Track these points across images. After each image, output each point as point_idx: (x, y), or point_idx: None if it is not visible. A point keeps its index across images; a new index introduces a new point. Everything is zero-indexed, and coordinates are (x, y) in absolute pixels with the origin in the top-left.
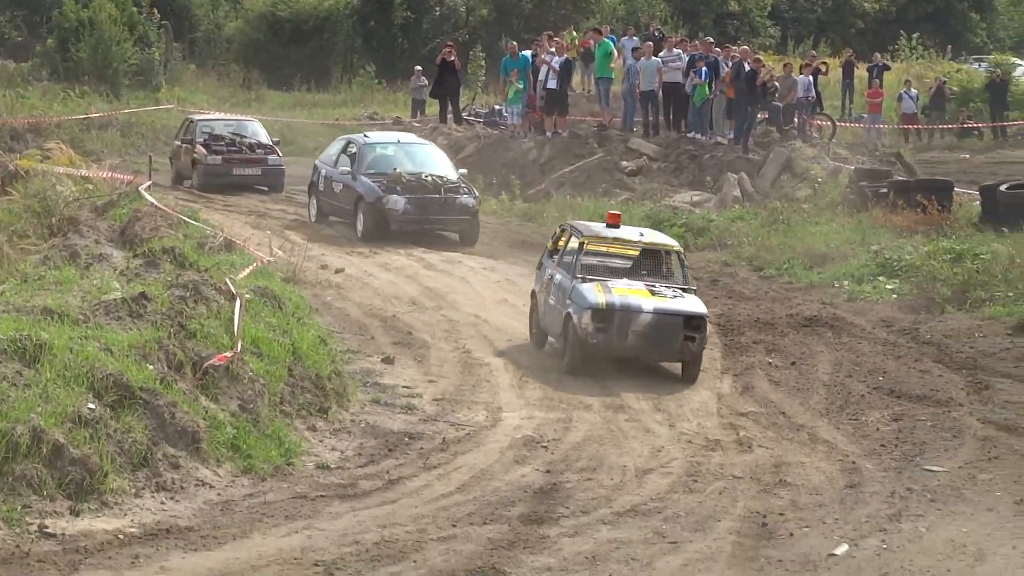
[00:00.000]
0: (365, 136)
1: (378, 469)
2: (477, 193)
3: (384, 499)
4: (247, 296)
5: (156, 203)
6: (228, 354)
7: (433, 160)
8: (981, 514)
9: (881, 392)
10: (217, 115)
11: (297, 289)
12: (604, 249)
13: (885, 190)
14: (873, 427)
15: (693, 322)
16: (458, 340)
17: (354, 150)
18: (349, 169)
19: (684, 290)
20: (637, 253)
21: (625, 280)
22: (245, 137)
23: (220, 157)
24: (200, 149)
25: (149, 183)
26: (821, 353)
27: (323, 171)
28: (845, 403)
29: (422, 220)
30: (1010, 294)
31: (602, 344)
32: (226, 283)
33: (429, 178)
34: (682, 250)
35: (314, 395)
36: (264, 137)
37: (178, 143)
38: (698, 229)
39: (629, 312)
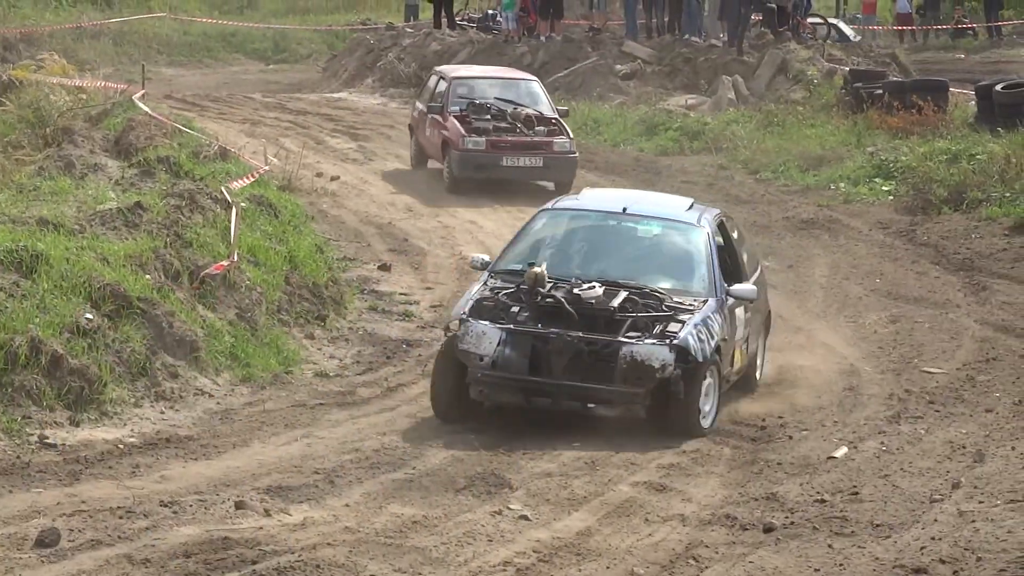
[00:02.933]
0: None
1: (376, 376)
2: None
3: (383, 406)
4: (243, 205)
5: (150, 112)
6: (225, 263)
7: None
8: (980, 415)
9: (878, 294)
10: (477, 70)
11: (293, 197)
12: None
13: (880, 91)
14: (871, 329)
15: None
16: (454, 246)
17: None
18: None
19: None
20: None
21: None
22: (519, 106)
23: (484, 139)
24: (454, 124)
25: (143, 92)
26: (818, 256)
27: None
28: (843, 305)
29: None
30: (1007, 194)
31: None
32: (222, 192)
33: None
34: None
35: (311, 303)
36: (547, 106)
37: (421, 108)
38: (693, 132)
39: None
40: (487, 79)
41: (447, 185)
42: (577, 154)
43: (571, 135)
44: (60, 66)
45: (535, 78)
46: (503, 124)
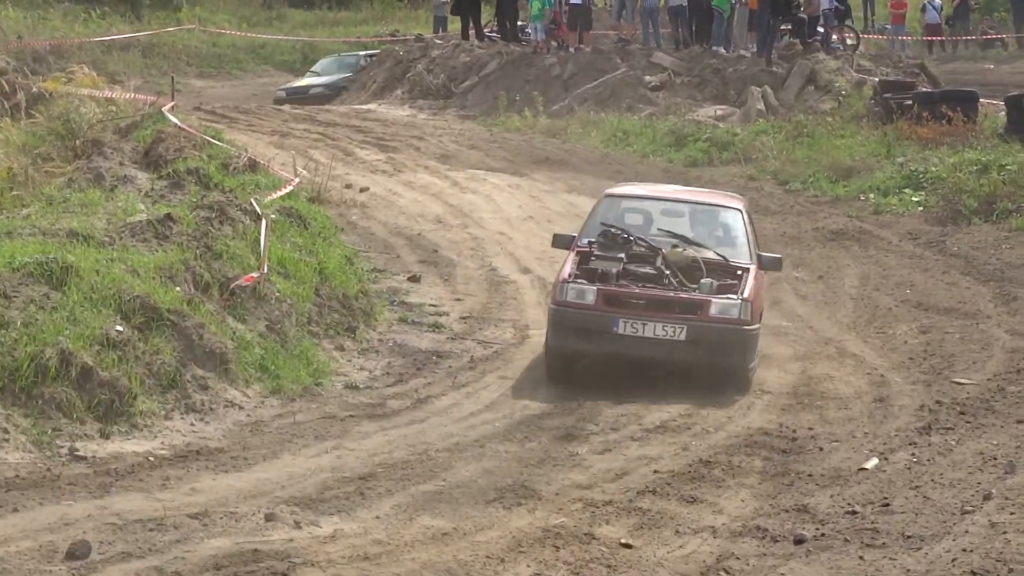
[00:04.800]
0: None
1: (407, 388)
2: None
3: (413, 418)
4: (272, 216)
5: (180, 124)
6: (255, 275)
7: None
8: (1011, 426)
9: (909, 305)
10: (652, 189)
11: (322, 209)
12: None
13: (910, 102)
14: (901, 340)
15: None
16: (484, 258)
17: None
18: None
19: None
20: None
21: None
22: (690, 244)
23: (595, 289)
24: (568, 263)
25: (172, 103)
26: (848, 267)
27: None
28: (873, 316)
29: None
30: None
31: None
32: (251, 203)
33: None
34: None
35: (341, 315)
36: (744, 249)
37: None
38: (722, 143)
39: None
40: (661, 201)
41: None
42: (754, 326)
43: (749, 296)
44: (90, 78)
45: (741, 205)
46: (645, 270)
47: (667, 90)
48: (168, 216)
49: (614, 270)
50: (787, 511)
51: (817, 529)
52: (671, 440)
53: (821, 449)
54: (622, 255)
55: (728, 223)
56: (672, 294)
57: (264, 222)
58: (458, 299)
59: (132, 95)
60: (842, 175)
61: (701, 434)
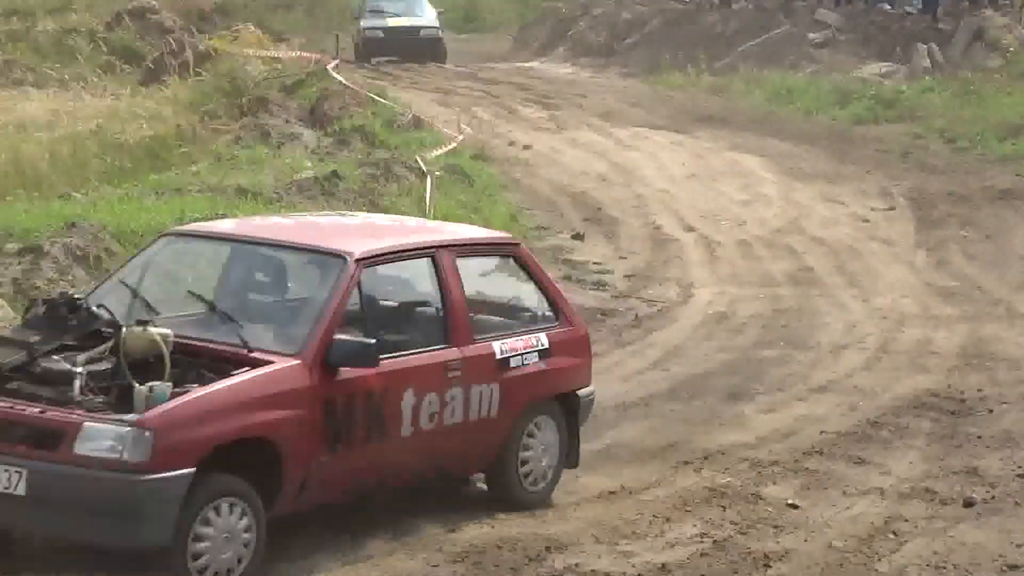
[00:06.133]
0: None
1: None
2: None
3: None
4: (437, 173)
5: (344, 81)
6: None
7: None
8: None
9: None
10: (251, 226)
11: (486, 166)
12: None
13: None
14: None
15: None
16: (647, 216)
17: None
18: None
19: None
20: None
21: None
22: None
23: None
24: None
25: (337, 61)
26: (1017, 226)
27: None
28: None
29: None
30: None
31: None
32: (417, 160)
33: None
34: None
35: None
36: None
37: None
38: (888, 101)
39: None
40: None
41: None
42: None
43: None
44: (255, 36)
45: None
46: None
47: (831, 47)
48: (335, 173)
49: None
50: (956, 473)
51: (987, 492)
52: (837, 400)
53: (991, 411)
54: (60, 333)
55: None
56: (21, 410)
57: (429, 179)
58: (622, 257)
59: (297, 53)
60: (1011, 133)
61: (868, 394)
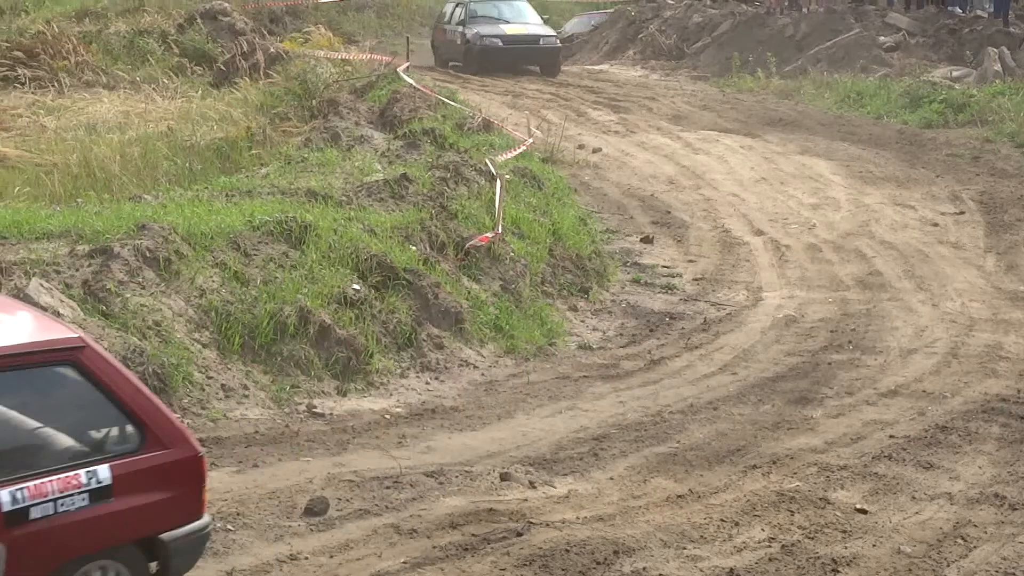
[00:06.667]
0: None
1: (639, 349)
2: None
3: (646, 379)
4: (507, 177)
5: (415, 84)
6: (489, 235)
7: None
8: None
9: None
10: None
11: (555, 169)
12: None
13: None
14: None
15: None
16: (717, 219)
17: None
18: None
19: None
20: None
21: None
22: None
23: None
24: None
25: (407, 64)
26: None
27: None
28: None
29: None
30: None
31: None
32: (486, 164)
33: None
34: None
35: (575, 275)
36: None
37: None
38: (958, 105)
39: None
40: None
41: None
42: None
43: None
44: (326, 38)
45: None
46: None
47: (902, 51)
48: (404, 176)
49: None
50: None
51: None
52: (906, 405)
53: None
54: None
55: None
56: None
57: (499, 182)
58: (691, 260)
59: (368, 55)
60: None
61: (937, 399)
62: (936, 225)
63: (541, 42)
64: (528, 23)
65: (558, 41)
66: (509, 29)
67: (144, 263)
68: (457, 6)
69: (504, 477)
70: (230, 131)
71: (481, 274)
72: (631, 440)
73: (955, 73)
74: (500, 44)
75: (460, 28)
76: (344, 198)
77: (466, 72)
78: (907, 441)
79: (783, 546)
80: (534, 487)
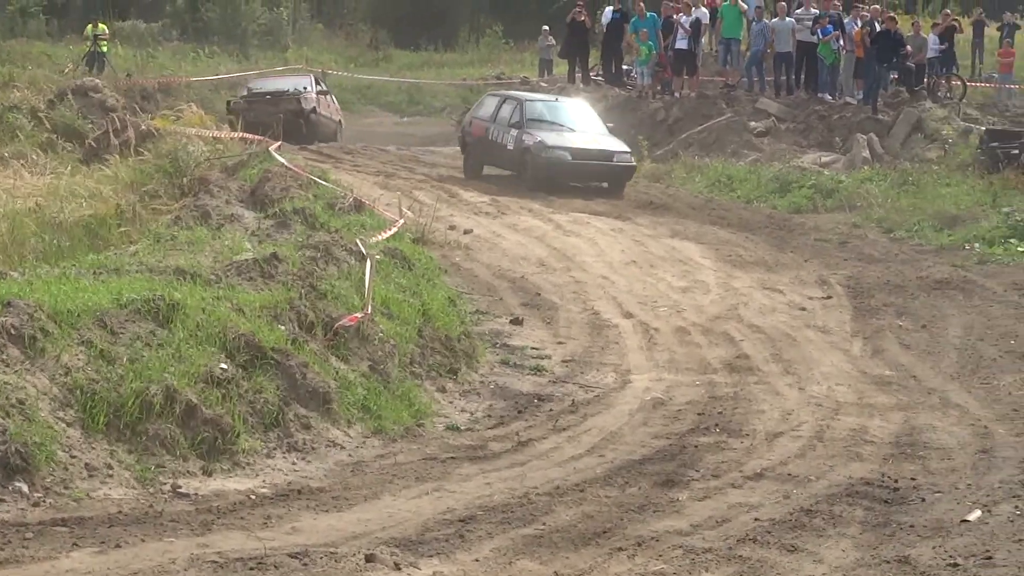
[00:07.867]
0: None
1: (508, 431)
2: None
3: (514, 461)
4: (377, 257)
5: (286, 163)
6: (359, 315)
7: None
8: None
9: (1013, 356)
10: None
11: (426, 250)
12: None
13: (1017, 151)
14: (1005, 391)
15: None
16: (587, 301)
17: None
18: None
19: None
20: None
21: None
22: None
23: None
24: None
25: (279, 144)
26: (952, 316)
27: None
28: (977, 367)
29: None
30: None
31: None
32: (356, 244)
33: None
34: None
35: (444, 356)
36: None
37: None
38: (827, 190)
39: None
40: None
41: None
42: None
43: None
44: (197, 116)
45: None
46: None
47: (772, 136)
48: (274, 255)
49: None
50: (888, 562)
51: None
52: (772, 488)
53: (923, 500)
54: None
55: None
56: None
57: (369, 262)
58: (560, 342)
59: (239, 134)
60: (947, 224)
61: (802, 482)
62: (804, 309)
63: (615, 159)
64: (597, 133)
65: (632, 159)
66: (577, 140)
67: (8, 340)
68: (505, 102)
69: (369, 559)
70: (99, 208)
71: (350, 354)
72: (497, 522)
73: (824, 159)
74: (569, 159)
75: (513, 132)
76: (213, 277)
77: (521, 185)
78: (772, 524)
79: None
80: (399, 568)
